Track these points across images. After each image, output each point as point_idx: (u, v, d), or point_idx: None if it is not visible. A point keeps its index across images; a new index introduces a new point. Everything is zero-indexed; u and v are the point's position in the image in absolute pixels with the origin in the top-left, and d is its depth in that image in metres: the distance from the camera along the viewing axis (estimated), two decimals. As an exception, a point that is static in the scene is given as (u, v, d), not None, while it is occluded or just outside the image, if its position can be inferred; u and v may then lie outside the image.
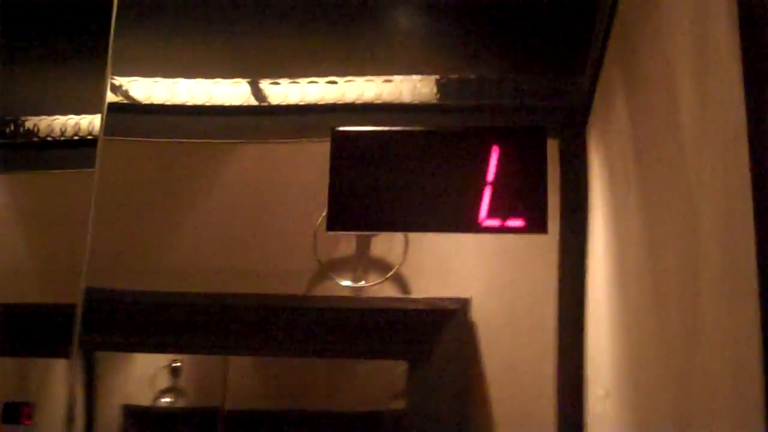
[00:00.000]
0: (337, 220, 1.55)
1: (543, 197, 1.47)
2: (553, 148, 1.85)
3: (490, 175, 1.50)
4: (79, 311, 1.72)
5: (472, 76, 1.90)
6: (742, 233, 0.76)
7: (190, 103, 2.04)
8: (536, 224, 1.49)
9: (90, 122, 2.18)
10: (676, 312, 1.06)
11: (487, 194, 1.49)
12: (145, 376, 2.03)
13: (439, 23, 1.93)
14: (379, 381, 2.02)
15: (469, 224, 1.51)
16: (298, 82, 2.00)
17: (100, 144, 1.95)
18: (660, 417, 1.14)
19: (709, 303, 0.90)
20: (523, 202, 1.48)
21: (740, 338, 0.77)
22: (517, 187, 1.49)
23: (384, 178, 1.54)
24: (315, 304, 1.92)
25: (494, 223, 1.50)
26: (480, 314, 1.85)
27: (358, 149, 1.54)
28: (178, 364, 2.01)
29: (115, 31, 2.05)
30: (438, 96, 1.92)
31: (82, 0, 2.10)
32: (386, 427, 1.97)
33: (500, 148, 1.49)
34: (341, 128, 1.55)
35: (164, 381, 2.02)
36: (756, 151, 0.74)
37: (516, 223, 1.50)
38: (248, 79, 2.03)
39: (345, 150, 1.55)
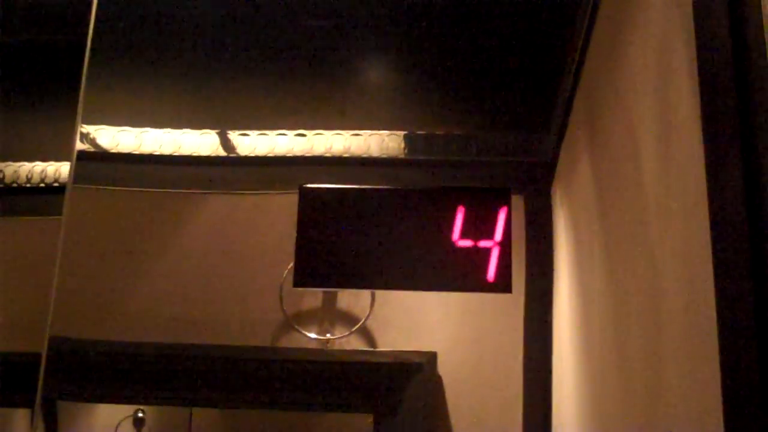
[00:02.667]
0: (303, 276, 1.55)
1: (507, 259, 1.49)
2: (518, 204, 1.87)
3: (456, 234, 1.52)
4: (43, 360, 1.69)
5: (440, 133, 1.93)
6: (703, 293, 0.77)
7: (157, 152, 2.03)
8: (501, 285, 1.50)
9: (57, 169, 2.16)
10: (639, 369, 1.07)
11: (452, 253, 1.50)
12: (109, 428, 2.00)
13: (408, 80, 1.96)
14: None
15: (434, 283, 1.52)
16: (266, 134, 2.01)
17: (68, 192, 1.94)
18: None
19: (672, 361, 0.91)
20: (488, 262, 1.49)
21: (702, 397, 0.78)
22: (482, 246, 1.51)
23: (351, 236, 1.55)
24: (281, 356, 1.91)
25: (459, 283, 1.51)
26: (446, 368, 1.85)
27: (326, 206, 1.55)
28: (141, 415, 1.98)
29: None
30: (405, 151, 1.94)
31: (52, 46, 2.10)
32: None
33: (465, 208, 1.51)
34: (309, 185, 1.56)
35: (128, 431, 1.99)
36: (716, 212, 0.76)
37: (480, 282, 1.51)
38: (217, 130, 2.04)
39: (312, 206, 1.56)
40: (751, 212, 0.72)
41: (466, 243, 1.50)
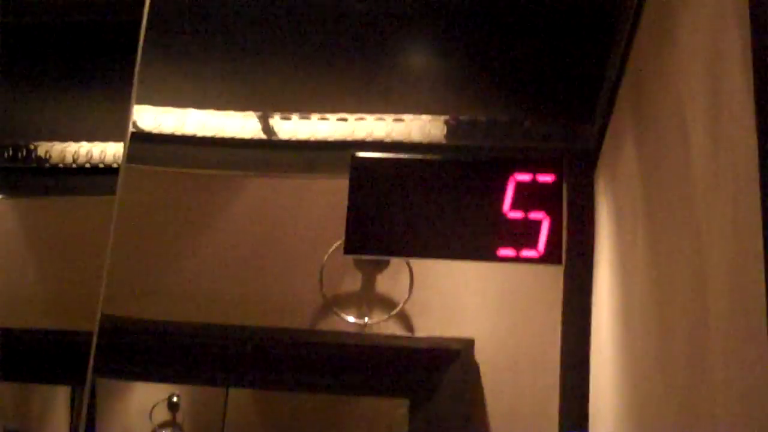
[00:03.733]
0: (354, 244, 1.56)
1: (558, 231, 1.48)
2: (562, 178, 1.85)
3: (506, 205, 1.51)
4: (95, 338, 1.72)
5: (482, 118, 1.92)
6: (751, 277, 0.76)
7: (200, 134, 2.05)
8: (551, 256, 1.50)
9: (102, 150, 2.19)
10: (681, 355, 1.06)
11: (503, 224, 1.50)
12: (144, 410, 2.03)
13: (451, 65, 1.95)
14: (380, 420, 2.01)
15: (484, 254, 1.52)
16: (308, 118, 2.01)
17: (122, 172, 1.96)
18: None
19: (717, 346, 0.90)
20: (538, 233, 1.49)
21: (749, 380, 0.77)
22: (532, 218, 1.50)
23: (401, 205, 1.55)
24: (319, 339, 1.92)
25: (509, 253, 1.51)
26: (483, 355, 1.85)
27: (377, 175, 1.56)
28: (176, 399, 2.00)
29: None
30: (447, 136, 1.94)
31: (105, 28, 2.12)
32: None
33: (517, 179, 1.51)
34: (361, 154, 1.57)
35: (163, 415, 2.01)
36: (767, 197, 0.75)
37: (530, 254, 1.50)
38: (259, 113, 2.05)
39: (364, 176, 1.57)
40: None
41: (517, 214, 1.49)
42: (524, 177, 1.51)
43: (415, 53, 1.99)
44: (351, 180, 1.56)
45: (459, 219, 1.53)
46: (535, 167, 1.52)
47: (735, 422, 0.83)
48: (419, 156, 1.64)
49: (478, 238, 1.52)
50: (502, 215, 1.51)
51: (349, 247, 1.58)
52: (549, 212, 1.51)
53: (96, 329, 1.69)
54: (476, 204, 1.52)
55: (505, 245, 1.50)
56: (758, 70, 0.78)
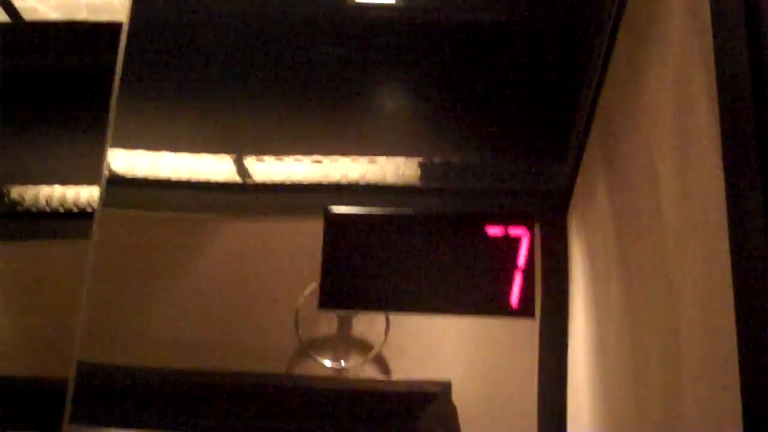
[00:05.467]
0: (329, 299, 1.57)
1: (531, 285, 1.50)
2: (534, 232, 1.87)
3: (479, 259, 1.52)
4: (71, 385, 1.70)
5: (456, 160, 1.93)
6: (723, 322, 0.76)
7: (174, 177, 2.04)
8: (524, 310, 1.51)
9: (76, 193, 2.17)
10: (657, 402, 1.06)
11: (476, 278, 1.51)
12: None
13: (424, 108, 1.96)
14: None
15: (458, 308, 1.53)
16: (282, 160, 2.01)
17: (97, 216, 1.94)
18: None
19: (691, 394, 0.90)
20: (511, 287, 1.50)
21: (722, 430, 0.77)
22: (504, 272, 1.51)
23: (375, 259, 1.56)
24: (295, 383, 1.90)
25: (479, 308, 1.52)
26: (461, 397, 1.84)
27: (350, 229, 1.57)
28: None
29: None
30: (421, 178, 1.94)
31: (78, 72, 2.12)
32: None
33: (488, 234, 1.52)
34: (334, 208, 1.57)
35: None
36: (737, 243, 0.75)
37: (504, 307, 1.51)
38: (233, 156, 2.04)
39: (337, 229, 1.58)
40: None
41: (491, 268, 1.50)
42: (496, 231, 1.52)
43: (388, 96, 2.00)
44: (325, 234, 1.57)
45: (433, 273, 1.54)
46: (506, 221, 1.53)
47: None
48: (392, 211, 1.65)
49: (452, 292, 1.53)
50: (475, 269, 1.52)
51: (324, 302, 1.59)
52: (521, 266, 1.52)
53: (72, 376, 1.67)
54: (450, 258, 1.53)
55: (480, 299, 1.51)
56: (724, 120, 0.79)
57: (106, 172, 1.99)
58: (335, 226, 1.58)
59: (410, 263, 1.55)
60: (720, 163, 0.80)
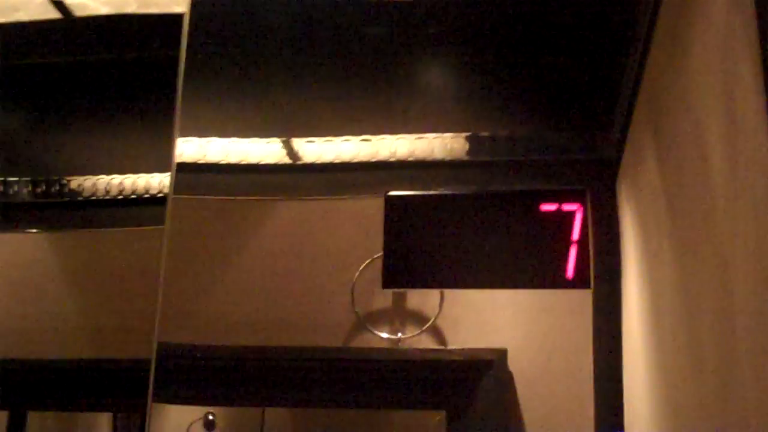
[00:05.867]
0: (392, 278, 1.63)
1: (585, 257, 1.54)
2: (587, 205, 1.89)
3: (534, 234, 1.56)
4: (152, 365, 1.76)
5: (503, 133, 1.95)
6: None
7: (224, 161, 2.09)
8: (580, 281, 1.56)
9: (134, 182, 2.22)
10: (712, 364, 1.09)
11: (532, 252, 1.56)
12: (181, 430, 2.07)
13: (470, 82, 1.98)
14: (417, 432, 2.04)
15: (516, 282, 1.57)
16: (332, 141, 2.05)
17: (169, 202, 2.00)
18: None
19: (745, 356, 0.93)
20: (567, 260, 1.54)
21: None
22: (560, 246, 1.55)
23: (434, 239, 1.61)
24: (353, 356, 1.95)
25: (540, 279, 1.56)
26: (517, 365, 1.88)
27: (409, 212, 1.62)
28: (212, 417, 2.04)
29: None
30: (469, 153, 1.97)
31: (144, 62, 2.16)
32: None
33: (543, 209, 1.56)
34: (393, 193, 1.62)
35: (200, 432, 2.05)
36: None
37: (560, 279, 1.55)
38: (283, 138, 2.09)
39: (396, 213, 1.63)
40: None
41: (545, 242, 1.55)
42: (550, 207, 1.55)
43: (434, 72, 2.02)
44: (385, 217, 1.61)
45: (490, 249, 1.57)
46: (560, 197, 1.56)
47: (762, 417, 0.86)
48: (448, 191, 1.69)
49: (509, 266, 1.57)
50: (531, 243, 1.56)
51: (388, 282, 1.65)
52: (576, 239, 1.55)
53: (153, 356, 1.73)
54: (506, 234, 1.57)
55: (537, 272, 1.55)
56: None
57: (175, 160, 2.05)
58: (394, 209, 1.62)
59: (468, 241, 1.59)
60: (766, 131, 0.81)
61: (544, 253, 1.56)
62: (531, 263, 1.58)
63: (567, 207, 1.56)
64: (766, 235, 0.82)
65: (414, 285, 1.72)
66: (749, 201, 0.90)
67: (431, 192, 1.72)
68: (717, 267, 1.05)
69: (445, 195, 1.66)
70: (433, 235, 1.60)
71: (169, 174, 2.09)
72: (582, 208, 1.56)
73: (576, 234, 1.55)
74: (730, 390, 0.99)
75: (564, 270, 1.56)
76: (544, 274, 1.57)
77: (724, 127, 1.01)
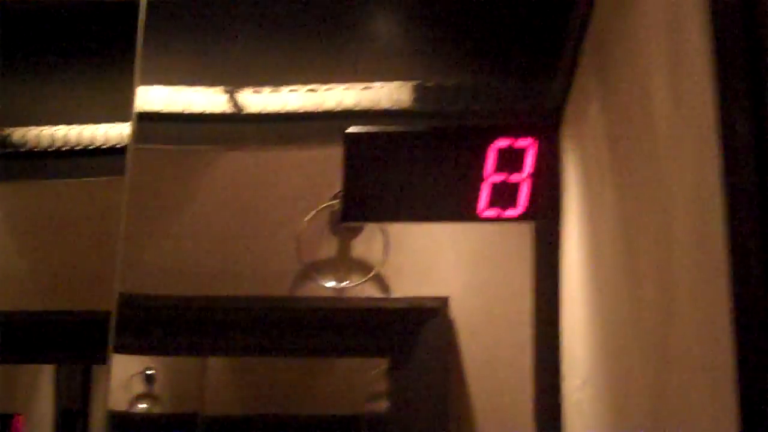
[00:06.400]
0: (350, 212, 1.65)
1: (537, 189, 1.58)
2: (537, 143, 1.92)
3: (488, 168, 1.59)
4: (113, 316, 1.75)
5: (449, 83, 1.97)
6: (713, 225, 0.82)
7: (165, 110, 2.07)
8: (531, 213, 1.60)
9: (92, 132, 2.16)
10: (651, 307, 1.13)
11: (485, 187, 1.59)
12: (121, 381, 2.08)
13: (416, 33, 1.99)
14: (358, 382, 2.07)
15: (469, 215, 1.61)
16: (278, 91, 2.05)
17: (130, 152, 1.97)
18: (635, 403, 1.21)
19: (683, 294, 0.97)
20: (518, 194, 1.58)
21: (713, 325, 0.83)
22: (512, 181, 1.59)
23: (392, 174, 1.63)
24: (299, 304, 1.98)
25: (492, 213, 1.59)
26: (459, 312, 1.92)
27: (368, 148, 1.64)
28: (151, 372, 2.04)
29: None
30: (415, 102, 1.99)
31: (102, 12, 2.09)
32: (368, 427, 2.02)
33: (497, 146, 1.60)
34: (352, 129, 1.64)
35: (140, 387, 2.05)
36: (726, 149, 0.81)
37: (512, 213, 1.59)
38: (229, 87, 2.07)
39: (356, 149, 1.65)
40: (760, 149, 0.76)
41: (499, 177, 1.58)
42: (504, 143, 1.59)
43: (381, 22, 2.02)
44: (345, 153, 1.63)
45: (445, 184, 1.60)
46: (513, 133, 1.60)
47: (701, 361, 0.90)
48: (406, 128, 1.71)
49: (462, 201, 1.60)
50: (485, 178, 1.59)
51: (346, 215, 1.67)
52: (529, 173, 1.59)
53: (115, 307, 1.72)
54: (461, 169, 1.60)
55: (488, 206, 1.59)
56: (715, 35, 0.84)
57: (135, 109, 2.00)
58: (353, 145, 1.64)
59: (424, 177, 1.62)
60: (710, 75, 0.85)
61: (497, 188, 1.60)
62: (485, 197, 1.61)
63: (520, 143, 1.60)
64: (706, 177, 0.85)
65: (374, 219, 1.74)
66: (690, 145, 0.93)
67: (389, 128, 1.73)
68: (657, 209, 1.09)
69: (403, 132, 1.68)
70: (391, 171, 1.63)
71: (121, 123, 2.07)
72: (535, 143, 1.60)
73: (528, 168, 1.59)
74: (669, 327, 1.03)
75: (515, 204, 1.60)
76: (497, 208, 1.61)
77: (669, 70, 1.04)
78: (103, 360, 1.87)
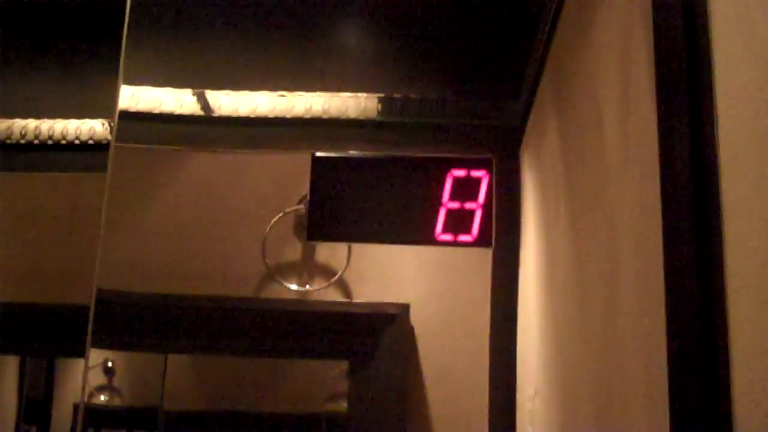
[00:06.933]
0: (315, 231, 1.71)
1: (489, 219, 1.65)
2: (492, 172, 1.98)
3: (445, 196, 1.65)
4: (91, 311, 1.77)
5: (415, 96, 2.02)
6: (653, 249, 0.88)
7: (133, 109, 2.09)
8: (483, 240, 1.67)
9: (77, 127, 2.17)
10: (597, 319, 1.19)
11: (441, 213, 1.66)
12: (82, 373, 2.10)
13: (386, 46, 2.04)
14: (318, 382, 2.11)
15: (426, 238, 1.67)
16: (248, 95, 2.08)
17: (112, 149, 1.98)
18: (583, 412, 1.27)
19: (626, 311, 1.03)
20: (472, 221, 1.66)
21: (651, 338, 0.89)
22: (467, 208, 1.67)
23: (356, 198, 1.69)
24: (262, 306, 2.01)
25: (448, 237, 1.66)
26: (418, 319, 1.97)
27: (335, 173, 1.71)
28: (110, 364, 2.07)
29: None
30: (381, 113, 2.03)
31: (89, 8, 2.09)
32: (326, 427, 2.07)
33: (453, 174, 1.67)
34: (320, 154, 1.71)
35: (99, 379, 2.08)
36: (666, 181, 0.86)
37: (466, 238, 1.65)
38: (198, 90, 2.10)
39: (323, 173, 1.71)
40: (696, 182, 0.82)
41: (454, 204, 1.64)
42: (460, 173, 1.66)
43: (351, 33, 2.06)
44: (312, 175, 1.69)
45: (405, 209, 1.67)
46: (469, 164, 1.67)
47: (639, 368, 0.96)
48: (370, 155, 1.78)
49: (421, 224, 1.67)
50: (442, 205, 1.66)
51: (312, 235, 1.73)
52: (481, 203, 1.66)
53: (93, 301, 1.74)
54: (420, 196, 1.66)
55: (444, 231, 1.65)
56: (659, 73, 0.90)
57: (119, 106, 2.02)
58: (321, 169, 1.70)
59: (385, 200, 1.68)
60: (654, 112, 0.90)
61: (453, 214, 1.66)
62: (442, 222, 1.68)
63: (475, 173, 1.66)
64: (648, 203, 0.91)
65: (335, 238, 1.79)
66: (637, 173, 0.99)
67: (354, 154, 1.79)
68: (606, 229, 1.14)
69: (367, 158, 1.74)
70: (355, 194, 1.68)
71: (92, 120, 2.08)
72: (488, 175, 1.67)
73: (481, 198, 1.66)
74: (613, 343, 1.09)
75: (470, 230, 1.66)
76: (451, 233, 1.67)
77: (619, 103, 1.10)
78: (79, 353, 1.89)
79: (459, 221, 1.65)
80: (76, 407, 2.11)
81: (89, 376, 2.02)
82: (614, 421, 1.08)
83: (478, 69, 1.99)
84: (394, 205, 1.67)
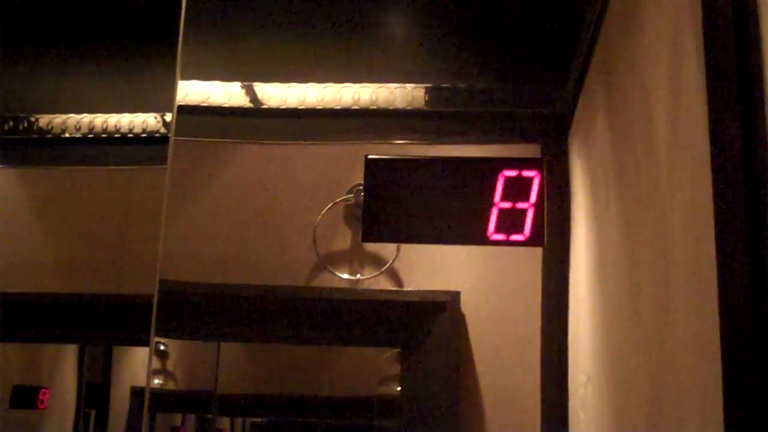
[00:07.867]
0: (370, 232, 1.74)
1: (541, 219, 1.67)
2: (536, 153, 1.98)
3: (497, 196, 1.67)
4: (155, 301, 1.81)
5: (463, 85, 2.02)
6: (705, 244, 0.88)
7: (182, 102, 2.12)
8: (535, 239, 1.69)
9: (130, 120, 2.22)
10: (649, 307, 1.19)
11: (494, 213, 1.69)
12: (140, 358, 2.16)
13: (434, 36, 2.04)
14: (369, 366, 2.13)
15: (479, 238, 1.69)
16: (295, 87, 2.10)
17: (171, 142, 2.02)
18: (635, 399, 1.27)
19: (678, 298, 1.03)
20: (524, 220, 1.69)
21: (703, 330, 0.89)
22: (519, 208, 1.69)
23: (409, 198, 1.72)
24: (314, 294, 2.04)
25: (500, 237, 1.67)
26: (469, 306, 1.98)
27: (388, 173, 1.74)
28: (163, 347, 2.11)
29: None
30: (429, 103, 2.04)
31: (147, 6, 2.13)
32: (379, 412, 2.09)
33: (505, 175, 1.70)
34: (372, 156, 1.74)
35: (153, 363, 2.12)
36: (716, 174, 0.86)
37: (518, 237, 1.67)
38: (248, 82, 2.12)
39: (376, 173, 1.74)
40: (749, 171, 0.82)
41: (506, 204, 1.66)
42: (511, 173, 1.67)
43: (398, 24, 2.07)
44: (365, 177, 1.72)
45: (457, 209, 1.68)
46: (520, 165, 1.69)
47: (692, 365, 0.96)
48: (424, 156, 1.81)
49: (474, 225, 1.68)
50: (494, 205, 1.68)
51: (366, 236, 1.76)
52: (533, 202, 1.68)
53: (156, 292, 1.78)
54: (471, 196, 1.68)
55: (497, 231, 1.67)
56: (709, 66, 0.89)
57: (177, 101, 2.06)
58: (374, 170, 1.73)
59: (438, 201, 1.70)
60: (705, 98, 0.90)
61: (505, 214, 1.68)
62: (492, 222, 1.70)
63: (526, 173, 1.67)
64: (701, 194, 0.91)
65: (388, 239, 1.81)
66: (688, 164, 0.99)
67: (407, 156, 1.81)
68: (657, 221, 1.14)
69: (420, 159, 1.76)
70: (407, 195, 1.70)
71: (143, 114, 2.12)
72: (539, 175, 1.67)
73: (533, 198, 1.67)
74: (665, 333, 1.09)
75: (522, 230, 1.68)
76: (504, 232, 1.69)
77: (668, 90, 1.09)
78: (139, 342, 1.93)
79: (511, 221, 1.66)
80: (132, 391, 2.18)
81: (145, 360, 2.07)
82: (666, 416, 1.08)
83: (525, 57, 1.99)
84: (447, 205, 1.68)
